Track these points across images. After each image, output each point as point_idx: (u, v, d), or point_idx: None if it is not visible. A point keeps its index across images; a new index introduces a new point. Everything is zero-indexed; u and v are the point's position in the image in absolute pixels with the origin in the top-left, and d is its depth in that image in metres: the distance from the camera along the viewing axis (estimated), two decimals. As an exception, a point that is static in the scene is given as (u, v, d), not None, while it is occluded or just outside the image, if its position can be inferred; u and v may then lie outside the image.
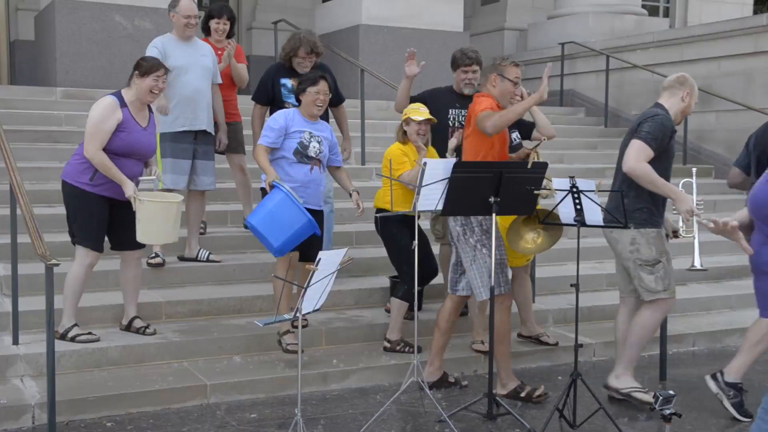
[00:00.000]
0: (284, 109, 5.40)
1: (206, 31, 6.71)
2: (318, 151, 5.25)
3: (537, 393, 5.00)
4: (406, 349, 5.49)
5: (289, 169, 5.20)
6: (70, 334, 5.07)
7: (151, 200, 4.97)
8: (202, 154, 6.17)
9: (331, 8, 12.03)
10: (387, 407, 4.72)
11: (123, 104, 5.06)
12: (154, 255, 6.04)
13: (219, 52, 6.55)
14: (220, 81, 6.37)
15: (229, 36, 6.70)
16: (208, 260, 6.27)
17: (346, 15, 11.54)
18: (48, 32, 9.71)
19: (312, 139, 5.23)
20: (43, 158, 7.55)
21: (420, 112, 5.45)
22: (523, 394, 5.00)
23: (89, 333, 5.12)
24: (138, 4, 9.60)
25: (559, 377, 5.51)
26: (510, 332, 5.02)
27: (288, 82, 6.03)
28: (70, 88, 9.19)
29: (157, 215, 4.99)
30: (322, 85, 5.24)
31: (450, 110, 5.77)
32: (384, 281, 6.35)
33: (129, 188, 4.96)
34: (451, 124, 5.75)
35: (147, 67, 5.12)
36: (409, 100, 5.79)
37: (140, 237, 5.04)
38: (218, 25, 6.58)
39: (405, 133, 5.47)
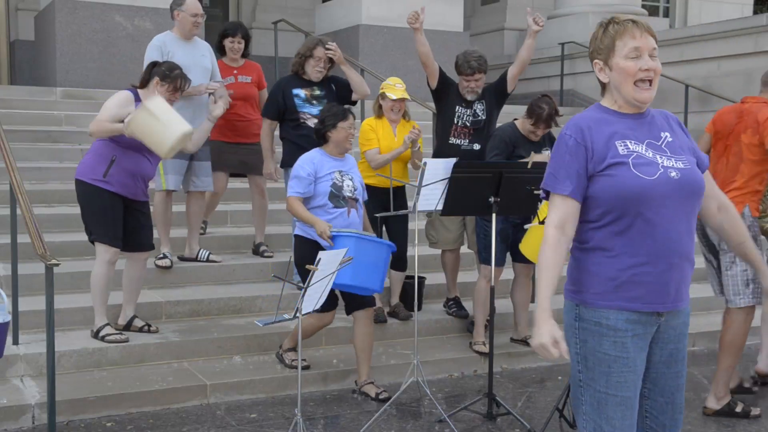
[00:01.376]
0: (307, 154, 4.94)
1: (221, 50, 6.53)
2: (353, 189, 4.90)
3: (754, 412, 4.77)
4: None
5: (326, 218, 4.79)
6: (101, 333, 5.11)
7: (135, 116, 4.76)
8: (200, 154, 6.14)
9: (331, 8, 12.04)
10: (387, 407, 4.72)
11: (137, 99, 5.07)
12: (161, 256, 6.02)
13: (235, 72, 6.45)
14: (220, 78, 6.29)
15: (244, 55, 6.56)
16: (208, 260, 6.26)
17: (346, 15, 11.54)
18: (48, 32, 9.71)
19: (344, 178, 4.87)
20: (43, 158, 7.55)
21: (395, 90, 5.60)
22: (738, 410, 4.76)
23: (119, 333, 5.14)
24: (138, 4, 9.61)
25: (559, 377, 5.51)
26: (743, 347, 4.85)
27: (301, 92, 5.87)
28: (70, 88, 9.20)
29: (150, 121, 4.77)
30: (351, 119, 4.91)
31: (456, 107, 5.76)
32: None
33: (121, 128, 4.85)
34: (455, 122, 5.73)
35: (172, 77, 5.11)
36: (428, 46, 5.72)
37: (164, 144, 4.83)
38: (233, 44, 6.45)
39: (381, 107, 5.66)
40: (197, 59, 6.05)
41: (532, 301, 6.02)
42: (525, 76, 13.68)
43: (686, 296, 2.59)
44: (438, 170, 4.72)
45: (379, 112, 5.70)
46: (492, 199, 4.56)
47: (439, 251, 6.13)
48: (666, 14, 16.25)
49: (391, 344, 5.76)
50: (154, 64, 5.25)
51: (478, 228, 5.59)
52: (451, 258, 6.07)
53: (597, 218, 2.52)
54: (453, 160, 4.74)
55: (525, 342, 5.77)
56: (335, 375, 5.21)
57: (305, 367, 5.04)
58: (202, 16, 6.07)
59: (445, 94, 5.77)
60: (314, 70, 5.85)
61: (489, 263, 5.17)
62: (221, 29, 6.67)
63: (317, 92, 5.89)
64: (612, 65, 2.53)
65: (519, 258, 5.49)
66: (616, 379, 2.52)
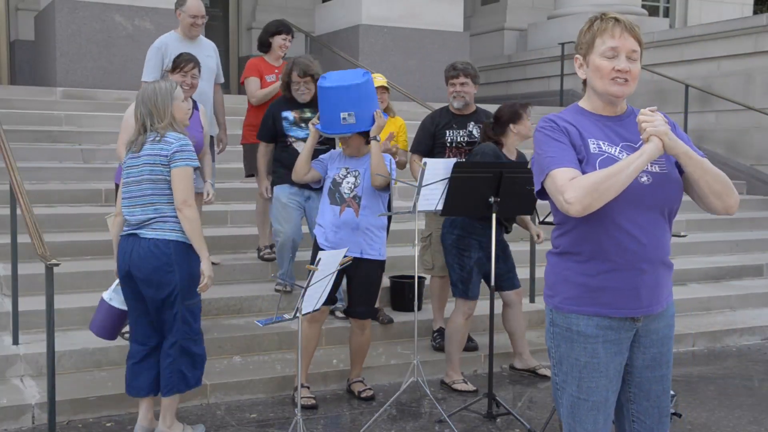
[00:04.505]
0: (334, 150, 5.09)
1: (265, 47, 6.51)
2: (352, 187, 4.76)
3: None
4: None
5: (323, 210, 4.85)
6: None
7: None
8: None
9: (331, 8, 12.04)
10: (387, 407, 4.72)
11: None
12: None
13: (276, 71, 6.38)
14: (222, 80, 6.31)
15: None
16: None
17: (346, 15, 11.54)
18: (48, 32, 9.72)
19: (348, 175, 4.78)
20: (43, 158, 7.55)
21: (376, 81, 5.61)
22: None
23: None
24: (138, 4, 9.61)
25: (559, 377, 5.50)
26: None
27: (290, 115, 5.75)
28: (70, 88, 9.20)
29: None
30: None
31: (447, 132, 5.57)
32: (384, 281, 6.33)
33: None
34: (448, 145, 5.55)
35: (176, 62, 5.19)
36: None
37: None
38: (285, 41, 6.42)
39: None
40: (202, 59, 5.87)
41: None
42: (525, 76, 13.75)
43: (664, 300, 2.54)
44: (438, 170, 4.71)
45: None
46: (492, 199, 4.56)
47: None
48: (666, 14, 16.25)
49: (391, 344, 5.76)
50: None
51: (450, 258, 5.13)
52: (440, 284, 5.74)
53: (565, 220, 2.48)
54: (453, 160, 4.73)
55: (532, 372, 5.51)
56: (335, 375, 5.21)
57: (312, 406, 4.80)
58: (202, 18, 6.02)
59: (433, 124, 5.61)
60: (298, 94, 5.72)
61: (467, 297, 5.04)
62: (272, 26, 6.56)
63: (308, 114, 5.73)
64: (588, 62, 2.51)
65: (506, 286, 5.29)
66: (587, 384, 2.52)
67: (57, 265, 4.25)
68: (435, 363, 5.46)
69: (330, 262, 3.88)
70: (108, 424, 4.47)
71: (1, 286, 5.63)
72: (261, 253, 6.46)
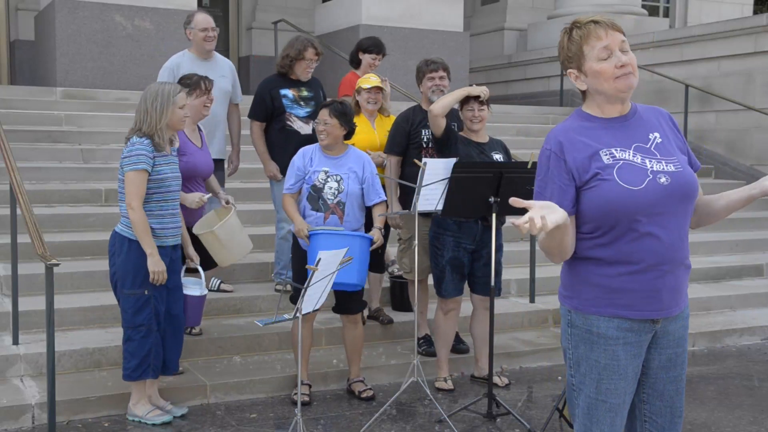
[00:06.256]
0: (304, 147, 4.89)
1: (355, 63, 6.46)
2: (336, 192, 4.69)
3: None
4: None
5: (303, 215, 4.76)
6: None
7: (203, 235, 4.88)
8: (218, 173, 5.74)
9: (331, 8, 12.04)
10: (387, 407, 4.72)
11: None
12: None
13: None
14: (239, 100, 6.10)
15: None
16: (218, 290, 5.98)
17: (346, 15, 11.55)
18: (48, 32, 9.72)
19: (329, 179, 4.70)
20: (43, 158, 7.55)
21: (370, 81, 5.65)
22: None
23: None
24: (138, 4, 9.61)
25: (559, 377, 5.51)
26: None
27: (289, 93, 5.78)
28: (70, 88, 9.20)
29: (215, 243, 4.92)
30: (322, 114, 4.74)
31: (423, 131, 5.39)
32: (384, 281, 6.34)
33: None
34: (424, 145, 5.42)
35: (191, 85, 4.92)
36: None
37: (224, 262, 5.12)
38: (374, 61, 6.36)
39: (357, 103, 5.67)
40: (216, 80, 5.45)
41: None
42: (525, 76, 13.76)
43: (682, 301, 2.54)
44: (438, 170, 4.71)
45: (356, 109, 5.61)
46: (492, 199, 4.56)
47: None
48: (666, 14, 16.26)
49: (391, 344, 5.76)
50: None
51: (430, 256, 5.15)
52: (419, 288, 5.36)
53: (590, 231, 2.46)
54: (453, 160, 4.72)
55: (484, 380, 5.24)
56: (335, 375, 5.21)
57: (305, 403, 4.80)
58: (213, 30, 5.80)
59: (408, 122, 5.46)
60: (305, 72, 5.80)
61: (440, 295, 5.06)
62: (364, 43, 6.45)
63: (305, 93, 5.83)
64: (586, 71, 2.48)
65: (477, 289, 5.14)
66: (605, 386, 2.51)
67: (57, 265, 4.25)
68: (435, 363, 5.45)
69: (330, 262, 3.88)
70: (108, 424, 4.47)
71: (1, 286, 5.63)
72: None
